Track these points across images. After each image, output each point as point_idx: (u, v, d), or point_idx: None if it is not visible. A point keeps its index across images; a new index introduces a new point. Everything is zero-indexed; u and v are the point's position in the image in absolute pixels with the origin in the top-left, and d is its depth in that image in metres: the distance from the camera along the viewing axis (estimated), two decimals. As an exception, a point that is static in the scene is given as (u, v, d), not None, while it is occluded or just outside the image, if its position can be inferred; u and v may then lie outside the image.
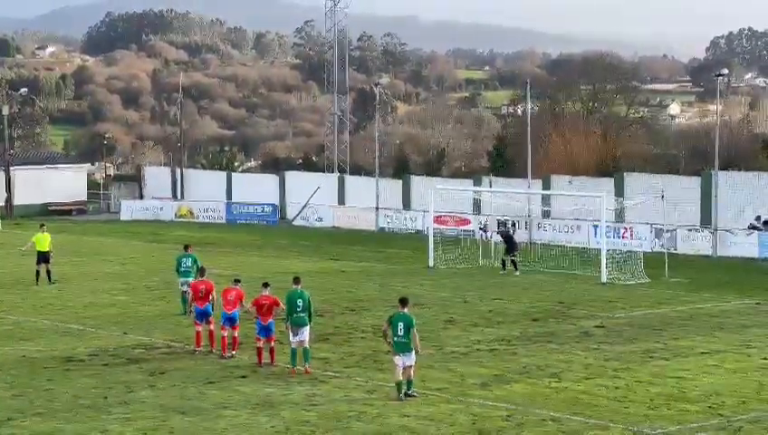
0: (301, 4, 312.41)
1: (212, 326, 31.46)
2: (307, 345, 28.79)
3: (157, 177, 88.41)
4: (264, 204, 77.04)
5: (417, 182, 73.12)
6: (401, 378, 25.88)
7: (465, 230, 63.38)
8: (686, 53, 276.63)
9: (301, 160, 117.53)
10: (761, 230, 56.31)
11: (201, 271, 32.81)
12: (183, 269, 37.80)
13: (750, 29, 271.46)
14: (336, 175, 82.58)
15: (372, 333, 34.09)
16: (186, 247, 39.38)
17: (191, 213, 78.45)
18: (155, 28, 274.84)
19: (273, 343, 29.59)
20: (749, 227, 57.21)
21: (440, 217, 61.72)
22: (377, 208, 70.90)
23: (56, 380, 28.18)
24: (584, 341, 33.30)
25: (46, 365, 29.94)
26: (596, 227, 56.17)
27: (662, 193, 53.17)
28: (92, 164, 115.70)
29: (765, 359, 30.66)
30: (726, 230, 56.97)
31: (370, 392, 26.76)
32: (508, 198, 61.37)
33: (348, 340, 33.32)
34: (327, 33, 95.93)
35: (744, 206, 59.74)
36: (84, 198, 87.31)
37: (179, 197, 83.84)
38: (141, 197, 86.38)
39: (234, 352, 30.64)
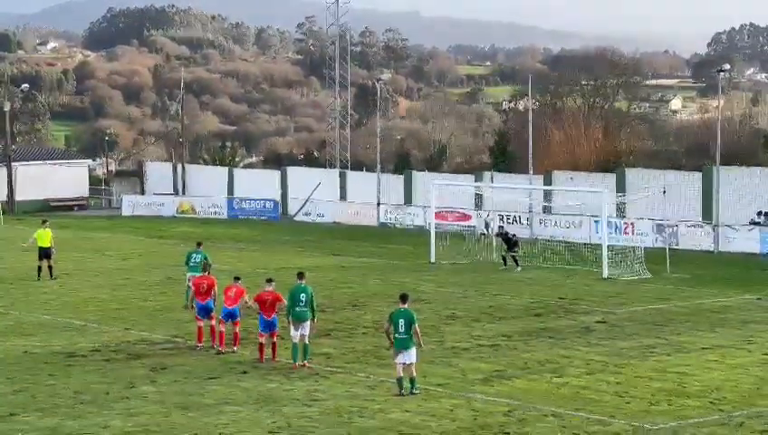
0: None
1: (213, 322, 31.49)
2: (307, 341, 28.83)
3: (158, 172, 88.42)
4: (265, 199, 77.07)
5: (419, 178, 73.12)
6: (401, 374, 25.91)
7: (466, 226, 63.35)
8: (688, 48, 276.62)
9: (302, 156, 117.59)
10: (762, 225, 56.32)
11: (203, 267, 32.87)
12: (192, 264, 37.89)
13: (752, 24, 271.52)
14: (337, 170, 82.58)
15: (374, 329, 34.13)
16: (198, 244, 39.65)
17: (192, 209, 78.47)
18: (156, 24, 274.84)
19: (275, 339, 29.61)
20: (750, 223, 57.22)
21: (441, 212, 61.72)
22: (378, 204, 70.93)
23: (58, 375, 28.20)
24: (585, 336, 33.32)
25: (48, 361, 29.96)
26: (597, 222, 56.17)
27: (663, 189, 53.20)
28: (94, 160, 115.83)
29: (766, 354, 30.67)
30: (728, 226, 56.98)
31: (372, 388, 26.77)
32: (509, 193, 61.38)
33: (349, 335, 33.34)
34: (328, 29, 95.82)
35: (746, 201, 59.74)
36: (86, 193, 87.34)
37: (181, 192, 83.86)
38: (143, 192, 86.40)
39: (235, 348, 30.67)
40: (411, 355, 25.77)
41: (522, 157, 71.16)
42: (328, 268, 49.24)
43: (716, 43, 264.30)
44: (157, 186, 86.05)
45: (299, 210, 74.82)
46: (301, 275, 29.22)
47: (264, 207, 76.68)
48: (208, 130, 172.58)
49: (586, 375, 28.08)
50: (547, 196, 63.26)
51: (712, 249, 56.31)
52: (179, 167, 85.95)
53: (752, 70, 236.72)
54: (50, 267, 45.60)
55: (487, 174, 71.40)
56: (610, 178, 65.04)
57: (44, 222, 47.40)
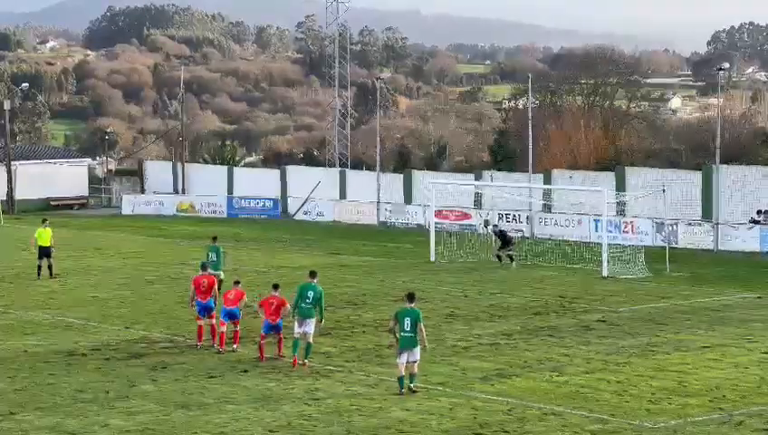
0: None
1: (214, 321, 31.50)
2: (311, 340, 28.89)
3: (158, 171, 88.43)
4: (265, 198, 77.07)
5: (419, 177, 73.08)
6: (403, 373, 25.91)
7: (466, 224, 63.36)
8: (688, 47, 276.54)
9: (302, 155, 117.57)
10: (762, 224, 56.31)
11: (203, 266, 32.85)
12: (210, 262, 38.42)
13: (751, 23, 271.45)
14: (337, 169, 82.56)
15: (374, 328, 34.15)
16: (213, 239, 40.65)
17: (192, 207, 78.47)
18: (156, 23, 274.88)
19: (280, 335, 29.74)
20: (750, 221, 57.22)
21: (441, 211, 61.72)
22: (378, 203, 70.93)
23: (58, 374, 28.21)
24: (585, 335, 33.33)
25: (48, 359, 29.97)
26: (597, 221, 56.17)
27: (663, 187, 53.20)
28: (94, 159, 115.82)
29: (766, 353, 30.67)
30: (727, 224, 56.97)
31: (372, 386, 26.78)
32: (509, 192, 61.37)
33: (349, 334, 33.35)
34: (328, 28, 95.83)
35: (746, 200, 59.73)
36: (86, 192, 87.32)
37: (181, 191, 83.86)
38: (143, 191, 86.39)
39: (235, 346, 30.69)
40: (415, 354, 25.81)
41: (521, 156, 71.14)
42: (328, 267, 49.21)
43: (716, 42, 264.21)
44: (157, 185, 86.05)
45: (299, 209, 74.83)
46: (313, 275, 29.51)
47: (264, 205, 76.69)
48: (208, 128, 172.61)
49: (586, 374, 28.09)
50: (547, 194, 63.28)
51: (712, 248, 56.31)
52: (179, 166, 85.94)
53: (752, 68, 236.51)
54: (50, 266, 45.62)
55: (487, 173, 71.39)
56: (610, 177, 65.02)
57: (45, 221, 47.41)
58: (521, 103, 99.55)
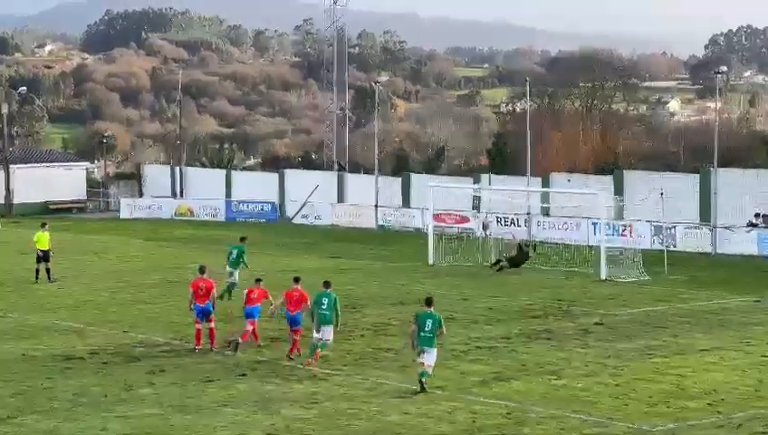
0: (300, 1, 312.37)
1: (212, 324, 31.49)
2: (327, 342, 29.61)
3: (156, 175, 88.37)
4: (263, 202, 77.03)
5: (417, 180, 73.02)
6: (421, 370, 26.58)
7: (464, 228, 63.33)
8: (686, 50, 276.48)
9: (300, 158, 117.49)
10: (759, 227, 56.30)
11: (201, 269, 32.78)
12: (231, 260, 40.42)
13: (749, 26, 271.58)
14: (335, 173, 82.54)
15: (372, 331, 34.15)
16: (241, 239, 42.22)
17: (191, 211, 78.42)
18: (154, 26, 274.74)
19: (297, 336, 30.16)
20: (748, 225, 57.22)
21: (440, 215, 61.68)
22: (376, 206, 70.88)
23: (56, 378, 28.20)
24: (584, 338, 33.32)
25: (46, 363, 29.95)
26: (595, 224, 56.14)
27: (661, 191, 53.20)
28: (92, 162, 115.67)
29: (765, 356, 30.67)
30: (726, 228, 56.96)
31: (370, 390, 26.78)
32: (508, 195, 61.35)
33: (348, 338, 33.30)
34: (326, 31, 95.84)
35: (744, 203, 59.72)
36: (84, 196, 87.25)
37: (179, 195, 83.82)
38: (141, 195, 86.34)
39: (259, 342, 31.48)
40: (433, 355, 26.69)
41: (520, 159, 71.11)
42: (326, 271, 49.15)
43: (714, 45, 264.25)
44: (155, 188, 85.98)
45: (297, 213, 74.80)
46: (327, 285, 30.17)
47: (262, 209, 76.65)
48: (206, 132, 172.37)
49: (584, 377, 28.09)
50: (545, 198, 63.25)
51: (710, 251, 56.30)
52: (177, 169, 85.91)
53: (749, 72, 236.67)
54: (48, 270, 45.60)
55: (485, 176, 71.36)
56: (608, 181, 65.00)
57: (44, 225, 47.41)
58: (519, 106, 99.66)
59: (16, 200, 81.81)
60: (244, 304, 31.39)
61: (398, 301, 40.60)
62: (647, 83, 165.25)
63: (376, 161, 73.77)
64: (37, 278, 45.32)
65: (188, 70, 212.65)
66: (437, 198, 56.68)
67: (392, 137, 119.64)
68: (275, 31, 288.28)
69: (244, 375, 28.34)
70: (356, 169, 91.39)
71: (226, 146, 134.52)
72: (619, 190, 62.53)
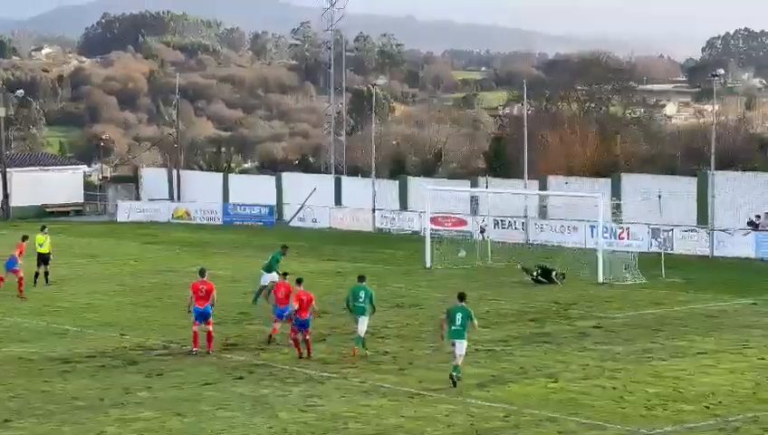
0: (297, 4, 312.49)
1: (210, 327, 31.48)
2: (362, 334, 30.83)
3: (153, 178, 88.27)
4: (260, 205, 76.98)
5: (414, 183, 73.02)
6: (456, 363, 27.43)
7: (462, 231, 63.30)
8: (683, 53, 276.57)
9: (297, 161, 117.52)
10: (760, 230, 56.31)
11: (201, 272, 32.68)
12: (265, 264, 40.86)
13: (746, 29, 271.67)
14: (333, 176, 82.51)
15: (370, 334, 34.12)
16: (283, 247, 42.30)
17: (188, 214, 78.37)
18: (151, 29, 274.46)
19: (308, 337, 30.71)
20: (748, 224, 57.23)
21: (437, 217, 61.68)
22: (373, 209, 70.87)
23: (53, 381, 28.18)
24: (581, 341, 33.34)
25: (43, 367, 29.94)
26: (593, 227, 56.14)
27: (659, 193, 53.24)
28: (89, 165, 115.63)
29: (762, 359, 30.70)
30: (723, 230, 56.99)
31: (368, 393, 26.78)
32: (505, 198, 61.36)
33: (345, 341, 33.28)
34: (324, 34, 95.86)
35: (741, 206, 59.74)
36: (81, 199, 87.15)
37: (176, 198, 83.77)
38: (138, 198, 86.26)
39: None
40: (463, 346, 27.52)
41: (517, 162, 71.12)
42: (323, 274, 49.19)
43: (711, 48, 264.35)
44: (152, 191, 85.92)
45: (294, 216, 74.77)
46: (361, 279, 31.86)
47: (260, 212, 76.61)
48: (204, 135, 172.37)
49: (582, 380, 28.10)
50: (542, 201, 63.28)
51: (707, 254, 56.32)
52: (175, 172, 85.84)
53: (746, 75, 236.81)
54: (46, 273, 45.60)
55: (483, 179, 71.35)
56: (606, 184, 64.99)
57: (44, 228, 47.44)
58: (516, 110, 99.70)
59: (13, 204, 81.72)
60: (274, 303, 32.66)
61: (395, 304, 40.59)
62: (644, 86, 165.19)
63: (373, 164, 73.74)
64: (36, 281, 45.25)
65: (186, 73, 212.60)
66: (434, 201, 56.66)
67: (390, 140, 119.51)
68: (273, 34, 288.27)
69: (241, 378, 28.34)
70: (353, 172, 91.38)
71: (224, 149, 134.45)
72: (616, 193, 62.53)
